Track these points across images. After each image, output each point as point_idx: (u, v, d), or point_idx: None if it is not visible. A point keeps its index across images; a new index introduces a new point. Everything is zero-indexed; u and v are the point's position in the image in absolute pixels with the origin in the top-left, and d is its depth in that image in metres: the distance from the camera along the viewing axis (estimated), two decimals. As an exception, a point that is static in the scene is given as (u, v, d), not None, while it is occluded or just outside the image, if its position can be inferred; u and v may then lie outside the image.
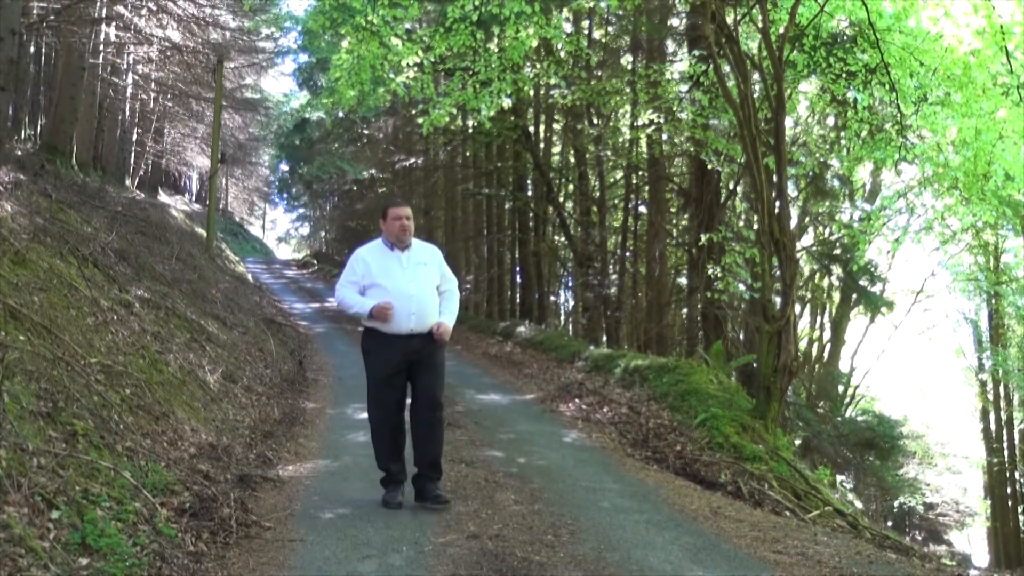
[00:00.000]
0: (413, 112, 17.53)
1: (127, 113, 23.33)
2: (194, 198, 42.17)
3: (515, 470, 5.81)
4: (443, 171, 24.15)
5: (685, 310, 17.84)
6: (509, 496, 5.05)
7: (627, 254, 19.64)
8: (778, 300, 8.15)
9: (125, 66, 21.09)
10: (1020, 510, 20.35)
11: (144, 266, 9.04)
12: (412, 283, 4.57)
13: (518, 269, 22.58)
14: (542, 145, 20.11)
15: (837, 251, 15.92)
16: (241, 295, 14.24)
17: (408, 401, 4.75)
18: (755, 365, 9.17)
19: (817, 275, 18.85)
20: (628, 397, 8.90)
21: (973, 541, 25.86)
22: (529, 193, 20.87)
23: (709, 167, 13.15)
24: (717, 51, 8.06)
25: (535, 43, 10.35)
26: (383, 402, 4.64)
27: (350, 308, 4.59)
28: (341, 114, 24.12)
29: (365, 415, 7.57)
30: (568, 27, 15.59)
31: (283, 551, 3.81)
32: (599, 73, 15.65)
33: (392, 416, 4.65)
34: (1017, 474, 20.84)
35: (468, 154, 23.36)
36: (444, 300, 4.76)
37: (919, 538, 20.98)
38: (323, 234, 44.26)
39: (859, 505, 12.57)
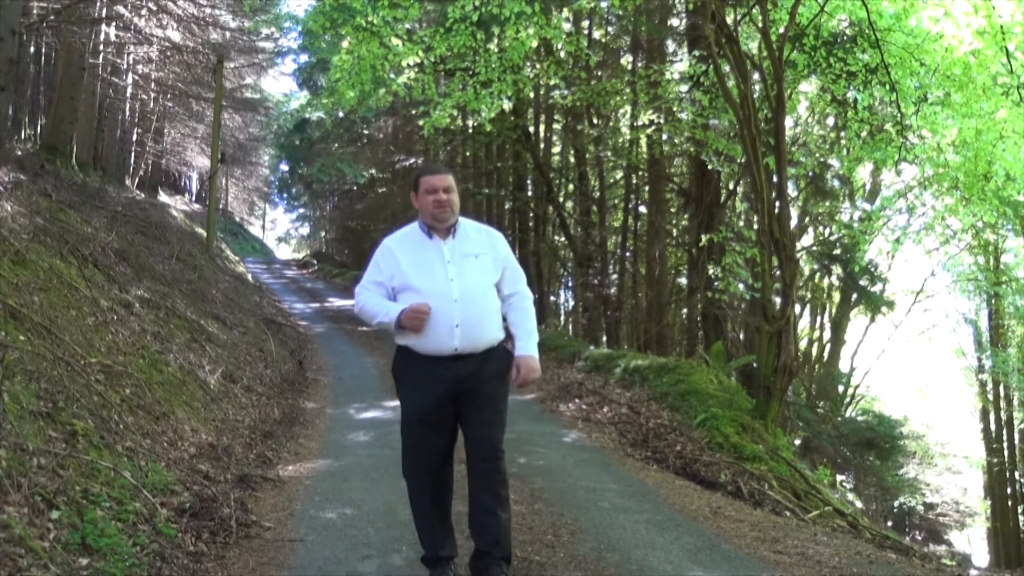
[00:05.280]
0: (413, 112, 17.53)
1: (127, 113, 23.36)
2: (194, 198, 42.17)
3: (515, 470, 5.79)
4: (443, 171, 24.12)
5: (685, 310, 17.84)
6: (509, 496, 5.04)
7: (627, 254, 19.65)
8: (778, 300, 8.15)
9: (125, 66, 21.11)
10: (1020, 510, 20.34)
11: (144, 266, 9.04)
12: (456, 282, 3.29)
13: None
14: (542, 145, 20.13)
15: (837, 251, 15.93)
16: (241, 295, 14.24)
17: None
18: (755, 365, 9.17)
19: (817, 275, 18.86)
20: (628, 397, 8.89)
21: (973, 541, 25.87)
22: (529, 193, 20.88)
23: (709, 167, 13.15)
24: (717, 51, 8.06)
25: (535, 43, 10.36)
26: (419, 451, 3.33)
27: (372, 318, 3.33)
28: (341, 114, 24.16)
29: (366, 415, 7.61)
30: (568, 27, 15.58)
31: (283, 551, 3.81)
32: (599, 73, 15.65)
33: (432, 470, 3.36)
34: (1017, 474, 20.84)
35: (468, 154, 23.37)
36: (514, 313, 3.46)
37: (919, 538, 20.98)
38: (323, 234, 44.33)
39: (859, 505, 12.57)
